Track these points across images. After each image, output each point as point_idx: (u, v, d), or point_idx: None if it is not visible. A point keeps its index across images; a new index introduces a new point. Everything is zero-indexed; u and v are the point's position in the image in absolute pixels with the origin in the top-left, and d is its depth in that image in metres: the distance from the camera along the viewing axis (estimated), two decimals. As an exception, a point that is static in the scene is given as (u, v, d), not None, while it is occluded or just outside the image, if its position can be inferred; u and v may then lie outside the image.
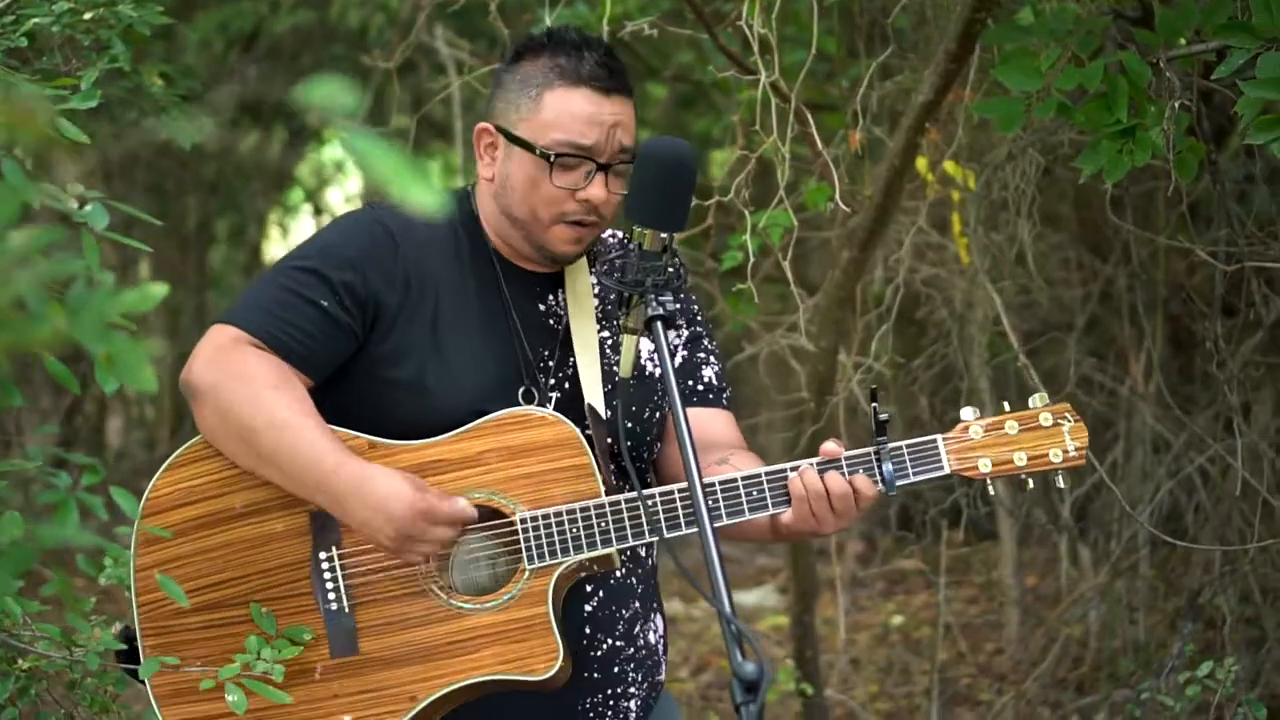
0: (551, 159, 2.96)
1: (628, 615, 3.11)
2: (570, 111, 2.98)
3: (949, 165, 4.66)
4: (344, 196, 12.86)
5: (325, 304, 2.94)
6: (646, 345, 3.15)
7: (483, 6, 5.02)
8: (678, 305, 3.20)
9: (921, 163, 4.63)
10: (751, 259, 3.93)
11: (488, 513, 2.93)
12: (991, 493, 3.06)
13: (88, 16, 3.48)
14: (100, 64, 3.55)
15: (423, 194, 1.26)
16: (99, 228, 2.03)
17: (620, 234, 3.18)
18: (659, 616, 3.21)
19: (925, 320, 5.64)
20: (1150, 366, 6.05)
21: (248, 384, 2.88)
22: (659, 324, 2.68)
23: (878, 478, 2.94)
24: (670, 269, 2.73)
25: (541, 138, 2.99)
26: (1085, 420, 3.04)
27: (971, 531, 7.39)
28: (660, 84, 8.05)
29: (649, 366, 3.15)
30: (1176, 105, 3.53)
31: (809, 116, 3.86)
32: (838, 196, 3.90)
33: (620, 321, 2.77)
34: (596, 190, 2.98)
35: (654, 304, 2.69)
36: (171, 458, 2.97)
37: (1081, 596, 6.48)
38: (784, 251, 3.99)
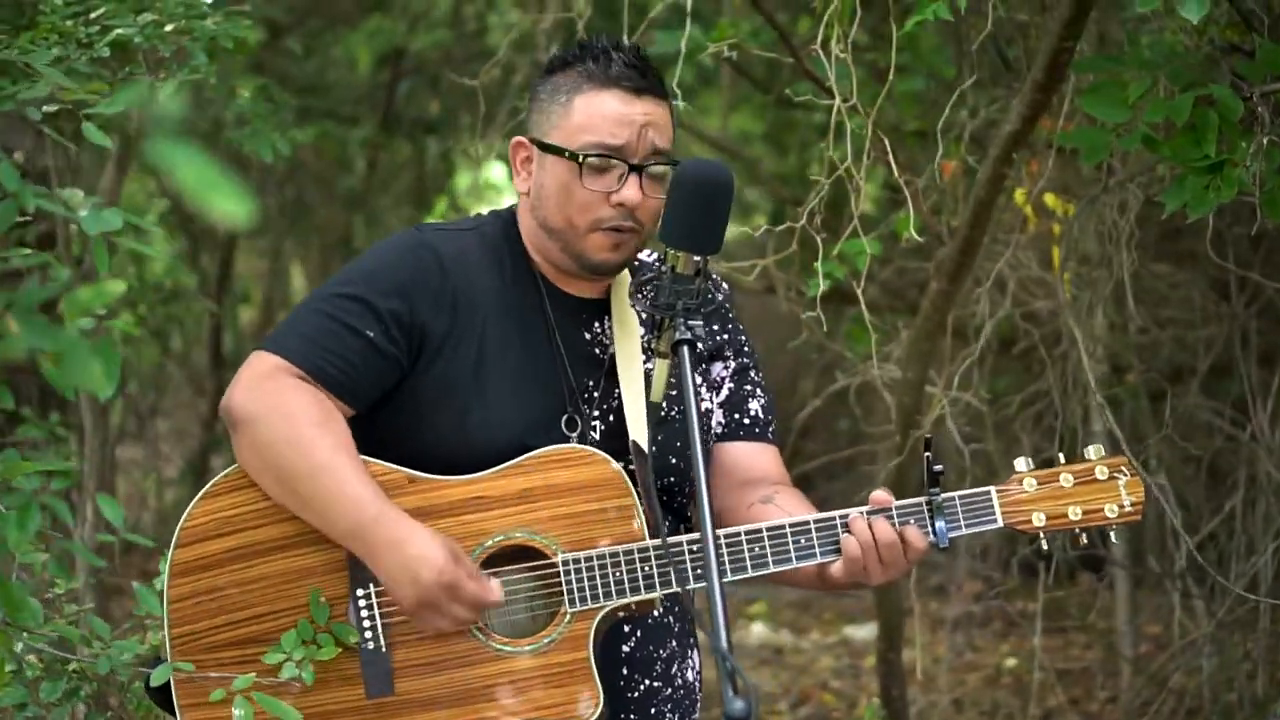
0: (581, 160, 2.92)
1: (665, 655, 3.06)
2: (600, 113, 2.94)
3: (1048, 197, 4.55)
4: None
5: (371, 334, 2.91)
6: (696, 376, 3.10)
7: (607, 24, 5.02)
8: (724, 335, 3.16)
9: (1019, 194, 4.52)
10: (821, 286, 3.86)
11: (529, 552, 2.89)
12: (1044, 547, 2.97)
13: (169, 29, 3.54)
14: (181, 75, 3.61)
15: (227, 203, 1.24)
16: (93, 232, 2.04)
17: (656, 257, 3.15)
18: (696, 653, 3.15)
19: (1029, 355, 5.52)
20: (1277, 413, 5.84)
21: (288, 420, 2.84)
22: (684, 349, 2.64)
23: (929, 529, 2.87)
24: (703, 293, 2.70)
25: (572, 141, 2.95)
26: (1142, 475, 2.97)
27: (1086, 574, 7.22)
28: (776, 109, 7.99)
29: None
30: (1265, 141, 3.40)
31: (886, 142, 3.79)
32: (913, 226, 3.82)
33: (652, 345, 2.74)
34: (630, 192, 2.92)
35: (682, 328, 2.65)
36: (208, 485, 2.94)
37: (1193, 645, 6.27)
38: (857, 279, 3.91)
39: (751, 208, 11.22)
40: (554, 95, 3.01)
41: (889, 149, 3.77)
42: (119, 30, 3.53)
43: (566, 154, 2.94)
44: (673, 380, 2.84)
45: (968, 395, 4.72)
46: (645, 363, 3.01)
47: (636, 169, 2.93)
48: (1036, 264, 5.04)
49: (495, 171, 13.41)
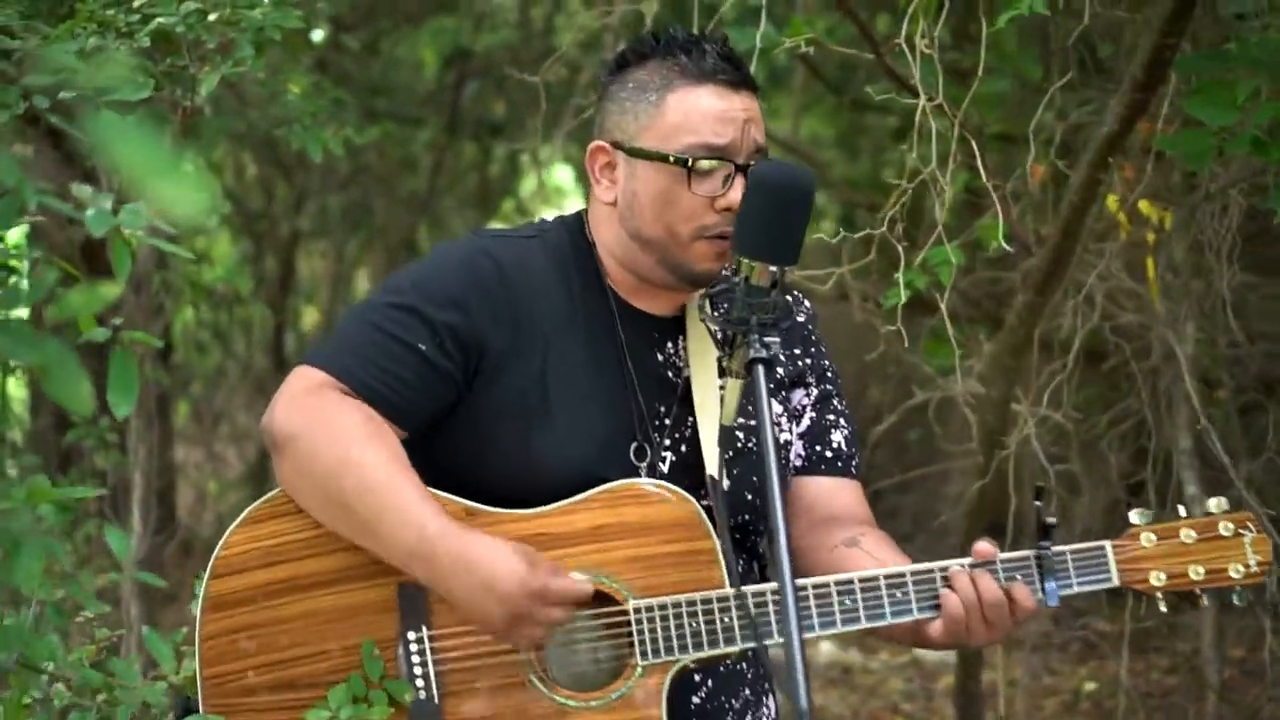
0: (689, 165, 2.69)
1: (738, 705, 2.82)
2: (700, 110, 2.71)
3: (1143, 204, 4.29)
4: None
5: (424, 347, 2.68)
6: (774, 407, 2.87)
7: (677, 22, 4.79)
8: (806, 359, 2.92)
9: (1111, 201, 4.26)
10: (902, 297, 3.61)
11: (597, 597, 2.64)
12: (1162, 609, 2.72)
13: (212, 18, 3.35)
14: (225, 67, 3.41)
15: (179, 192, 1.03)
16: (99, 232, 1.83)
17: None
18: (771, 699, 2.90)
19: (1117, 371, 5.25)
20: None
21: (334, 436, 2.61)
22: (759, 368, 2.40)
23: (1037, 587, 2.64)
24: (780, 307, 2.46)
25: (671, 144, 2.71)
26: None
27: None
28: (850, 111, 7.74)
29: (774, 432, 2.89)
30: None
31: (974, 144, 3.54)
32: (1001, 234, 3.57)
33: (723, 364, 2.50)
34: (737, 193, 2.66)
35: (757, 345, 2.41)
36: (247, 511, 2.69)
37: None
38: (940, 290, 3.66)
39: (820, 213, 10.98)
40: (639, 94, 2.77)
41: (977, 151, 3.52)
42: (160, 19, 3.33)
43: (672, 159, 2.70)
44: (748, 405, 2.62)
45: (1056, 414, 4.46)
46: (721, 388, 2.78)
47: (743, 169, 2.69)
48: (1126, 274, 4.77)
49: (561, 174, 13.27)
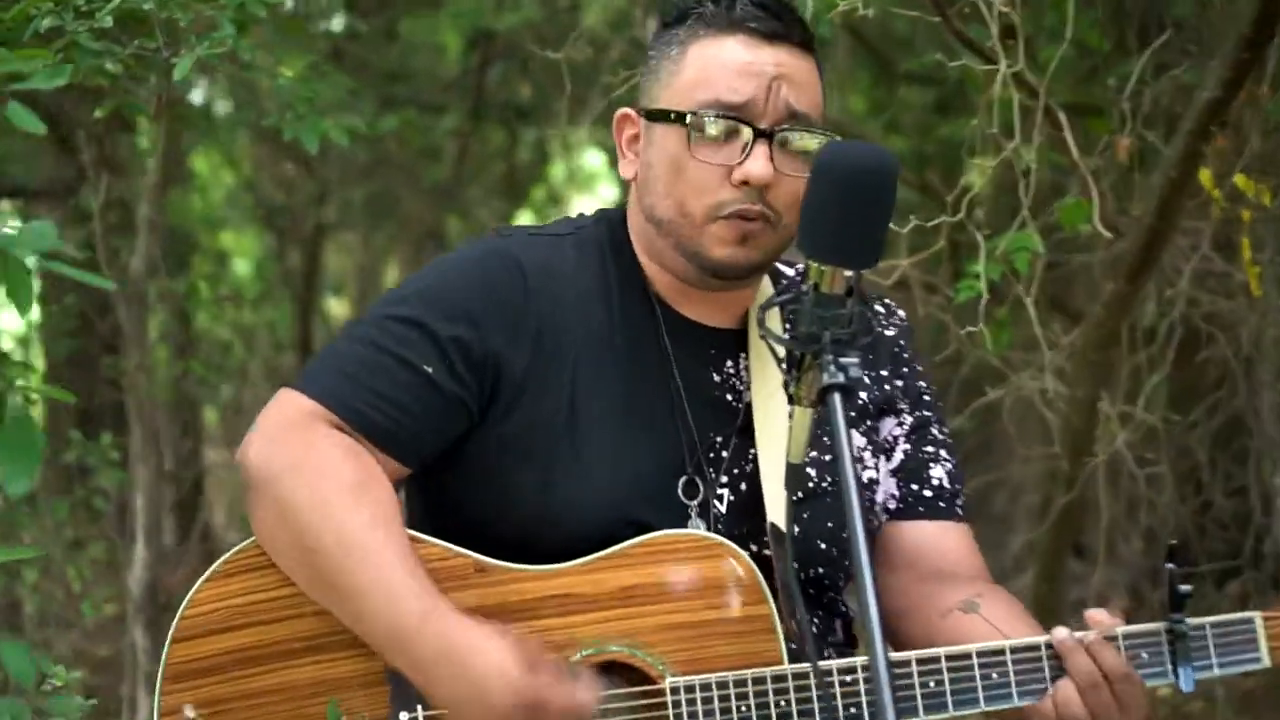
0: (688, 121, 2.26)
1: None
2: (718, 61, 2.29)
3: (1239, 179, 3.82)
4: (597, 205, 12.24)
5: (430, 369, 2.26)
6: (854, 439, 2.42)
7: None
8: (898, 381, 2.47)
9: (1205, 175, 3.80)
10: (985, 292, 3.16)
11: (628, 671, 2.20)
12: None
13: (186, -7, 2.92)
14: (201, 48, 2.98)
15: None
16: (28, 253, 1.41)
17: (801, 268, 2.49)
18: None
19: (1206, 363, 4.77)
20: None
21: (315, 480, 2.18)
22: (835, 396, 1.95)
23: (1168, 668, 2.20)
24: (857, 319, 2.00)
25: (683, 101, 2.29)
26: None
27: (1252, 587, 6.50)
28: (907, 84, 7.27)
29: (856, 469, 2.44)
30: None
31: (1062, 116, 3.09)
32: (1097, 216, 3.11)
33: (790, 390, 2.04)
34: (756, 165, 2.25)
35: (830, 368, 1.95)
36: (218, 563, 2.25)
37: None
38: (1027, 286, 3.21)
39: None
40: (665, 50, 2.35)
41: (1065, 124, 3.06)
42: (122, -6, 2.91)
43: (672, 115, 2.28)
44: (822, 438, 2.18)
45: (1145, 413, 3.99)
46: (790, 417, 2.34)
47: (765, 135, 2.26)
48: (1218, 257, 4.30)
49: (592, 158, 12.80)
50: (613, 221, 2.43)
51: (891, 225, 3.22)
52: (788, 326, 2.12)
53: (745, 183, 2.27)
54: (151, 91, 3.18)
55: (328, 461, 2.19)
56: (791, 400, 2.03)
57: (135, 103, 3.15)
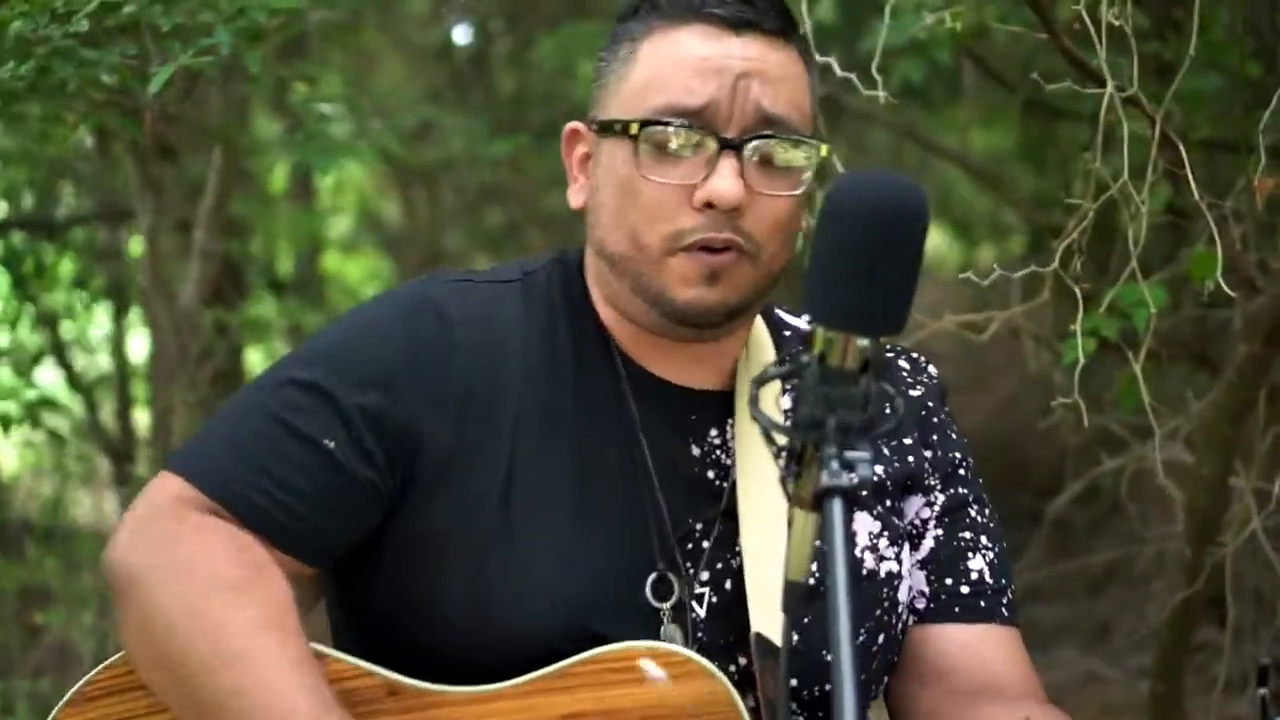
0: (633, 132, 1.86)
1: None
2: (673, 58, 1.89)
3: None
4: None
5: (331, 444, 1.87)
6: (864, 523, 1.99)
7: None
8: (927, 452, 2.04)
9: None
10: (1080, 355, 2.69)
11: None
12: None
13: (174, -5, 2.57)
14: (185, 56, 2.63)
15: None
16: None
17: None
18: None
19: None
20: None
21: (185, 581, 1.80)
22: (835, 504, 1.50)
23: None
24: (875, 400, 1.56)
25: (635, 110, 1.89)
26: None
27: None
28: (1036, 117, 6.75)
29: (868, 560, 1.99)
30: None
31: (1181, 148, 2.62)
32: (1220, 268, 2.63)
33: (786, 485, 1.62)
34: (723, 183, 1.85)
35: (833, 465, 1.52)
36: (80, 684, 1.88)
37: None
38: (1135, 350, 2.73)
39: (1007, 230, 9.90)
40: (615, 50, 1.96)
41: (1185, 158, 2.59)
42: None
43: (617, 126, 1.88)
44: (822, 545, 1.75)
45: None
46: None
47: (733, 146, 1.86)
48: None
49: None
50: (568, 264, 2.03)
51: (986, 280, 2.79)
52: (787, 407, 1.69)
53: (709, 205, 1.86)
54: (143, 105, 2.84)
55: (201, 555, 1.80)
56: (789, 500, 1.61)
57: (118, 117, 2.82)
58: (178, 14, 2.60)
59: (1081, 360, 2.62)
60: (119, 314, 6.85)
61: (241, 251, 5.36)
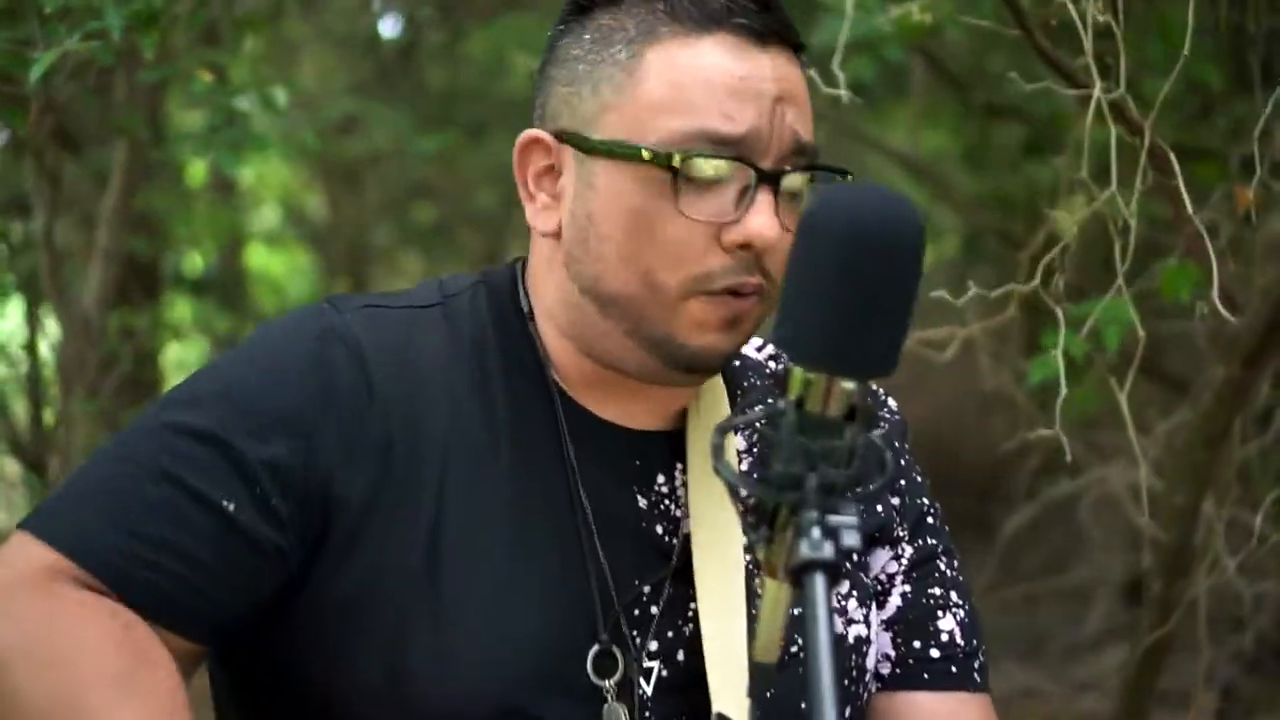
0: (678, 165, 1.60)
1: None
2: (700, 75, 1.62)
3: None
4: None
5: (230, 504, 1.59)
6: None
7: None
8: (894, 499, 1.83)
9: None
10: (1064, 381, 2.47)
11: None
12: None
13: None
14: (71, 40, 2.36)
15: None
16: None
17: (769, 353, 1.84)
18: None
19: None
20: None
21: (59, 672, 1.51)
22: (817, 579, 1.27)
23: None
24: (862, 455, 1.33)
25: (647, 130, 1.63)
26: None
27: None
28: (989, 118, 6.58)
29: (836, 624, 1.76)
30: None
31: (1173, 158, 2.41)
32: (1216, 286, 2.43)
33: (755, 550, 1.38)
34: (764, 221, 1.62)
35: (813, 534, 1.28)
36: None
37: None
38: (1118, 373, 2.52)
39: (940, 231, 9.71)
40: (602, 49, 1.67)
41: (1176, 168, 2.37)
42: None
43: (647, 156, 1.61)
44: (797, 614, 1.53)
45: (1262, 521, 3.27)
46: (755, 597, 1.68)
47: (771, 178, 1.63)
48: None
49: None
50: (497, 286, 1.77)
51: (942, 293, 2.57)
52: (742, 447, 1.46)
53: (745, 246, 1.61)
54: (32, 93, 2.56)
55: (78, 641, 1.51)
56: (757, 568, 1.37)
57: (11, 110, 2.55)
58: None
59: (1064, 387, 2.40)
60: (31, 310, 6.54)
61: (150, 250, 5.07)
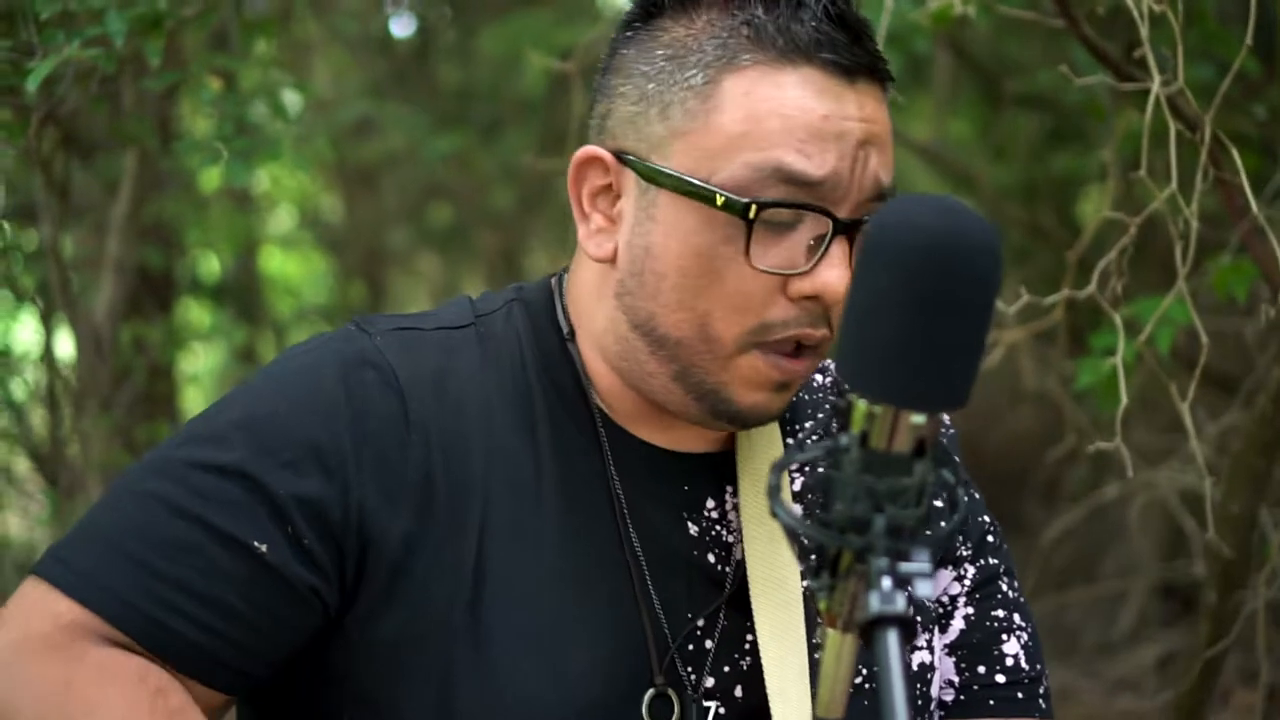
0: (752, 214, 1.48)
1: None
2: (782, 111, 1.49)
3: None
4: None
5: (263, 546, 1.49)
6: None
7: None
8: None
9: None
10: (1123, 393, 2.35)
11: None
12: None
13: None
14: (71, 48, 2.25)
15: None
16: None
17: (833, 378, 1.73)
18: None
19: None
20: None
21: None
22: (890, 635, 1.15)
23: None
24: (929, 493, 1.21)
25: (718, 164, 1.50)
26: None
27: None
28: (1017, 108, 6.45)
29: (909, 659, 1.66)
30: None
31: (1235, 154, 2.28)
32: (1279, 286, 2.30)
33: (814, 595, 1.26)
34: (837, 274, 1.49)
35: (884, 585, 1.16)
36: None
37: None
38: (1179, 382, 2.39)
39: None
40: (675, 68, 1.55)
41: (1239, 164, 2.25)
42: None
43: (719, 199, 1.49)
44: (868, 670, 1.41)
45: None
46: (817, 646, 1.56)
47: (848, 229, 1.51)
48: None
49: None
50: (535, 306, 1.66)
51: (1012, 305, 2.44)
52: (806, 494, 1.35)
53: (816, 298, 1.50)
54: (32, 103, 2.45)
55: (103, 708, 1.40)
56: (821, 620, 1.25)
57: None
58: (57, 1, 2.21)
59: (1124, 396, 2.27)
60: (45, 320, 6.44)
61: (163, 260, 4.96)
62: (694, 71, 1.53)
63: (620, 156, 1.58)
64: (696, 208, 1.51)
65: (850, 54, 1.52)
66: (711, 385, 1.55)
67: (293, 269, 11.27)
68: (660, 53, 1.56)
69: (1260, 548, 3.07)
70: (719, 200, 1.49)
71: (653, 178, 1.54)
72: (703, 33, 1.55)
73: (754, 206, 1.48)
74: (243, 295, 8.99)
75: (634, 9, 1.62)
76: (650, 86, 1.56)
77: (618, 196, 1.59)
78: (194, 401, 7.42)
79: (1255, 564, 3.00)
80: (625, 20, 1.63)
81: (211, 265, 8.92)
